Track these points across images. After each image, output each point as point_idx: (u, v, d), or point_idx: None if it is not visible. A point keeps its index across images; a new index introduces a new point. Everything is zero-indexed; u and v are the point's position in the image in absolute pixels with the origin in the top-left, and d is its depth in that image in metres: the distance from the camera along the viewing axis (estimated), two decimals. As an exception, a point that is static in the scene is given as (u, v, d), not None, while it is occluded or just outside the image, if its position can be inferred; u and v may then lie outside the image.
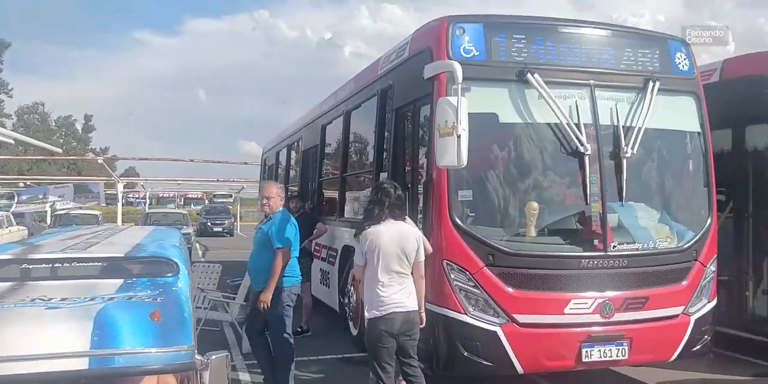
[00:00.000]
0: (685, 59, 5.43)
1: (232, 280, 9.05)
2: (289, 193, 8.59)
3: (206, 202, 51.30)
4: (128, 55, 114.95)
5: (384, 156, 6.13)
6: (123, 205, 24.68)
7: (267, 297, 5.03)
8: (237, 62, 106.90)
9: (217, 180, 34.19)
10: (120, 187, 23.12)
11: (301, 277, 5.56)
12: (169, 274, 2.72)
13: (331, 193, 8.27)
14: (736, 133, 6.56)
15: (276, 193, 5.38)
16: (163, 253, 3.03)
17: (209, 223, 31.51)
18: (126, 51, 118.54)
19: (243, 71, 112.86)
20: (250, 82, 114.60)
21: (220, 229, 31.08)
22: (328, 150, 8.67)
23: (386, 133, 6.10)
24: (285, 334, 5.18)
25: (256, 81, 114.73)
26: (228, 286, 8.85)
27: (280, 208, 5.36)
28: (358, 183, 7.37)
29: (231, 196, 45.41)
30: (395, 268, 4.17)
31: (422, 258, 4.29)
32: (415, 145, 5.53)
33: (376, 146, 6.29)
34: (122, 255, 3.09)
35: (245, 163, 30.99)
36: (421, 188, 5.25)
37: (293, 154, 11.27)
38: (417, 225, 5.21)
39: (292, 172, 11.39)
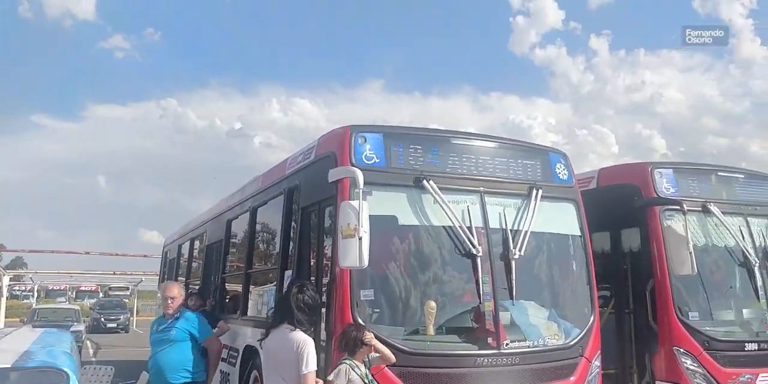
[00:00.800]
0: (564, 169, 6.04)
1: (125, 382, 8.51)
2: (189, 290, 8.38)
3: (101, 295, 48.05)
4: (25, 139, 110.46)
5: (289, 254, 6.23)
6: (7, 298, 22.79)
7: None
8: (141, 149, 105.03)
9: (114, 273, 32.48)
10: (5, 280, 21.43)
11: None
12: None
13: (234, 290, 8.16)
14: (613, 235, 7.21)
15: (179, 293, 5.65)
16: (53, 363, 2.95)
17: (103, 319, 29.58)
18: (22, 134, 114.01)
19: (147, 158, 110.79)
20: (154, 170, 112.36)
21: (114, 325, 29.20)
22: (233, 245, 8.64)
23: (292, 232, 6.24)
24: None
25: (161, 169, 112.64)
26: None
27: (183, 308, 5.56)
28: (263, 280, 7.36)
29: (128, 288, 42.96)
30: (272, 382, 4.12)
31: (306, 370, 4.05)
32: (320, 244, 5.69)
33: (281, 244, 6.40)
34: (9, 365, 2.97)
35: (145, 256, 29.82)
36: (324, 287, 5.36)
37: (197, 247, 11.10)
38: (320, 325, 5.30)
39: (194, 266, 11.16)
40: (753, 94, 44.62)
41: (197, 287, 9.46)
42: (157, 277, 17.20)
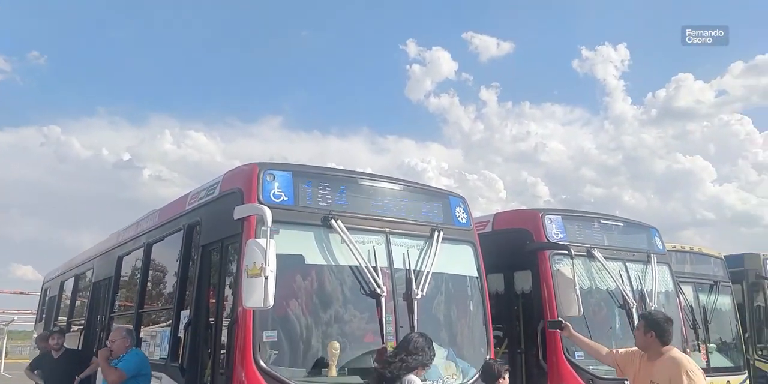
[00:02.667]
0: (463, 213, 6.32)
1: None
2: (52, 327, 7.98)
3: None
4: None
5: (186, 293, 6.03)
6: None
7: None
8: (17, 178, 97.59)
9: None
10: None
11: None
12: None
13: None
14: (507, 277, 7.55)
15: (120, 336, 5.79)
16: None
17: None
18: None
19: (25, 188, 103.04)
20: (31, 200, 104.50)
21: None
22: (124, 283, 8.22)
23: (191, 269, 6.06)
24: None
25: (40, 200, 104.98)
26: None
27: (130, 349, 5.76)
28: (156, 319, 7.04)
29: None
30: None
31: None
32: (221, 283, 5.55)
33: (178, 282, 6.18)
34: None
35: (21, 293, 27.46)
36: (225, 327, 5.21)
37: (82, 284, 10.43)
38: (220, 366, 5.14)
39: (78, 305, 10.45)
40: (624, 148, 48.83)
41: (81, 327, 8.86)
42: (34, 316, 15.86)
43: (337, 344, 5.03)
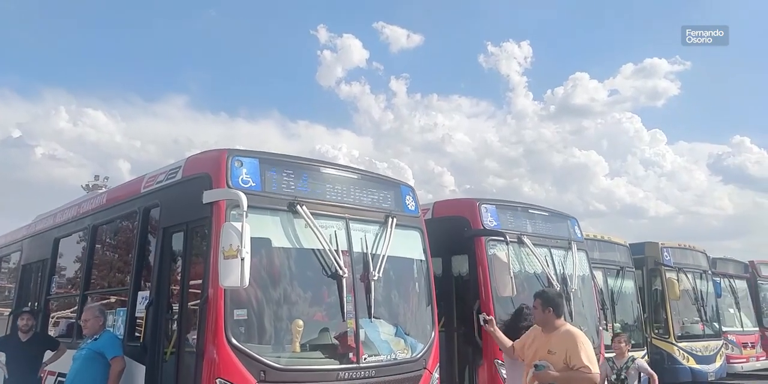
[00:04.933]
0: (412, 201, 6.77)
1: None
2: (22, 309, 7.60)
3: None
4: None
5: (144, 274, 6.12)
6: None
7: None
8: None
9: None
10: None
11: None
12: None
13: (65, 313, 7.64)
14: (445, 261, 8.11)
15: (92, 315, 5.77)
16: None
17: None
18: None
19: None
20: None
21: None
22: (62, 265, 8.09)
23: (148, 251, 6.16)
24: None
25: None
26: None
27: (104, 329, 5.77)
28: (106, 300, 7.03)
29: None
30: None
31: None
32: (186, 264, 5.72)
33: (135, 264, 6.25)
34: None
35: None
36: (193, 306, 5.40)
37: (7, 268, 10.08)
38: (186, 344, 5.34)
39: (2, 288, 10.08)
40: (525, 142, 51.25)
41: (9, 310, 8.62)
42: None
43: (300, 322, 5.35)
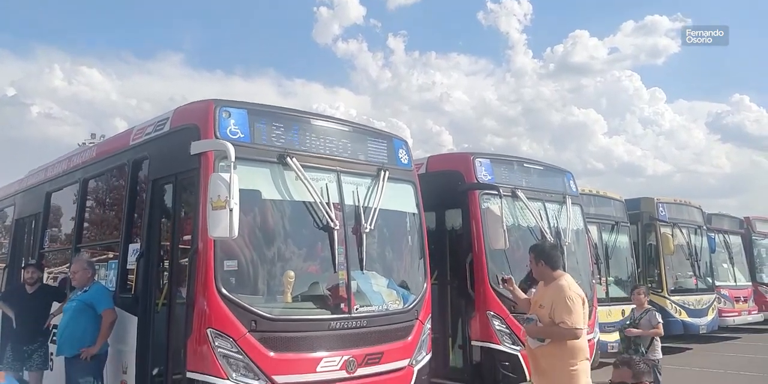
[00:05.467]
0: (405, 154, 6.69)
1: None
2: (25, 261, 7.58)
3: None
4: None
5: (134, 226, 6.10)
6: None
7: (94, 350, 5.48)
8: None
9: None
10: None
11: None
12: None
13: (59, 267, 7.67)
14: (438, 215, 8.09)
15: (81, 267, 5.83)
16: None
17: None
18: None
19: None
20: None
21: None
22: (55, 219, 8.07)
23: (138, 204, 6.12)
24: None
25: None
26: None
27: (93, 281, 5.84)
28: (99, 253, 7.04)
29: None
30: None
31: None
32: (176, 216, 5.69)
33: (125, 216, 6.22)
34: None
35: None
36: (182, 257, 5.40)
37: (1, 222, 10.08)
38: (177, 295, 5.36)
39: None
40: (524, 100, 50.82)
41: (3, 265, 8.65)
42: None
43: (292, 273, 5.36)
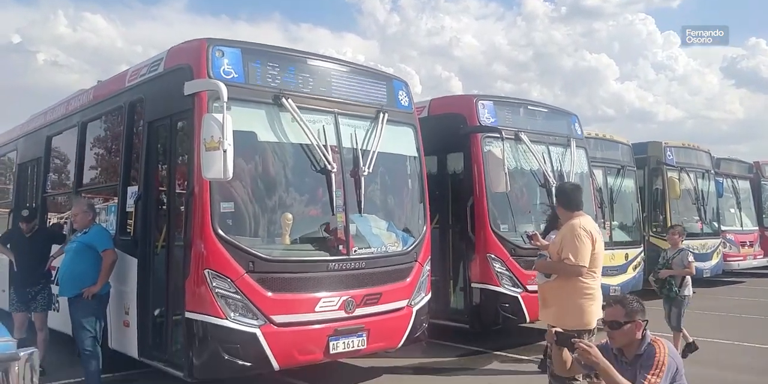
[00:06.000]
0: (405, 96, 6.54)
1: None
2: (19, 208, 7.56)
3: None
4: None
5: (132, 169, 6.08)
6: None
7: (96, 289, 5.52)
8: None
9: None
10: None
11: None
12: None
13: (60, 210, 7.71)
14: (440, 159, 8.01)
15: (81, 210, 5.82)
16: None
17: None
18: None
19: None
20: None
21: None
22: (55, 163, 8.06)
23: (135, 146, 6.07)
24: (88, 341, 5.47)
25: None
26: None
27: (92, 224, 5.83)
28: (98, 198, 7.06)
29: None
30: None
31: None
32: (172, 158, 5.63)
33: (122, 159, 6.19)
34: None
35: None
36: (179, 200, 5.39)
37: (4, 167, 10.11)
38: (175, 237, 5.38)
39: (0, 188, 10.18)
40: (535, 45, 49.46)
41: (9, 210, 8.72)
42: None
43: (290, 215, 5.35)
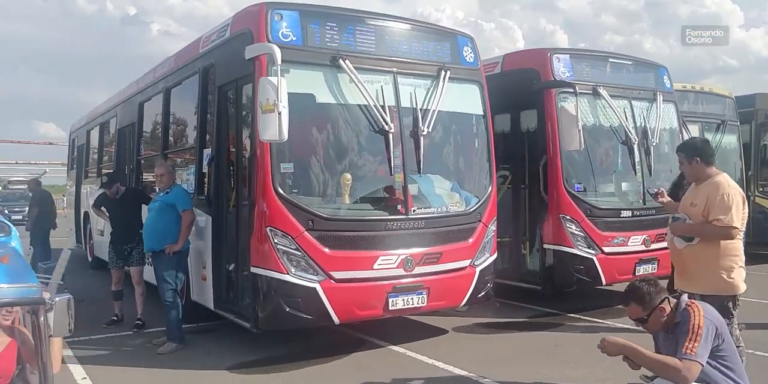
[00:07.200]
0: (471, 53, 6.37)
1: (44, 263, 8.64)
2: (101, 178, 8.13)
3: (-1, 188, 45.57)
4: None
5: (207, 132, 6.40)
6: None
7: (177, 247, 5.95)
8: (23, 36, 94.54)
9: (16, 162, 30.83)
10: None
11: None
12: (1, 235, 2.93)
13: (151, 172, 8.27)
14: (513, 117, 7.79)
15: (166, 170, 6.27)
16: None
17: (6, 211, 28.54)
18: None
19: (29, 46, 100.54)
20: (39, 58, 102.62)
21: (20, 218, 28.30)
22: (147, 127, 8.62)
23: (209, 110, 6.38)
24: (169, 293, 5.92)
25: (47, 57, 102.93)
26: (42, 269, 8.45)
27: (174, 184, 6.30)
28: (181, 160, 7.52)
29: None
30: None
31: None
32: (239, 121, 5.88)
33: (198, 123, 6.53)
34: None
35: (50, 144, 28.47)
36: (245, 162, 5.64)
37: (107, 132, 10.93)
38: (242, 197, 5.65)
39: (105, 151, 11.04)
40: (653, -11, 45.84)
41: (111, 171, 9.44)
42: (65, 168, 16.70)
43: (348, 176, 5.46)
